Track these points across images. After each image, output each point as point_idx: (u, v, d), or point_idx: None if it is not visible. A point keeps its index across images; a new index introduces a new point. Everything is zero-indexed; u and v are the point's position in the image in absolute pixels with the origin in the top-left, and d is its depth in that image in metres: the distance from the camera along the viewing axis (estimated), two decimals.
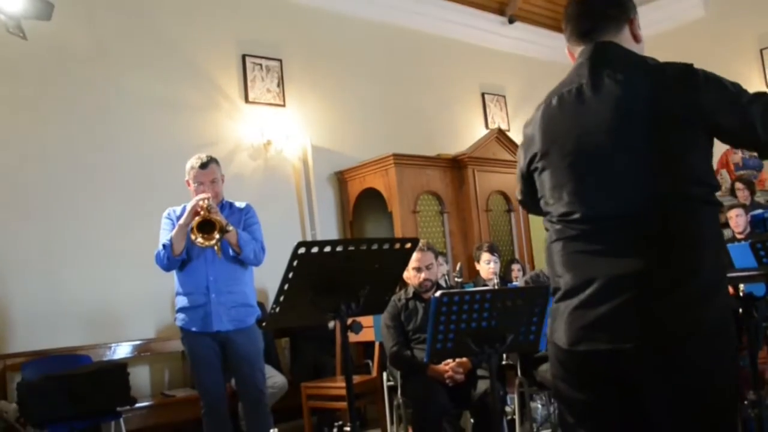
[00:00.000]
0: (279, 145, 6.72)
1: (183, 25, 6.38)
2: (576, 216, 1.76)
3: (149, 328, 5.79)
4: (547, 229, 1.87)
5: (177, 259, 3.74)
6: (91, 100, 5.73)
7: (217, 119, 6.47)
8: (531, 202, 2.01)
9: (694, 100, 1.66)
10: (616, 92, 1.72)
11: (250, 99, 6.69)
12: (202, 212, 3.61)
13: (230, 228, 3.63)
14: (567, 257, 1.78)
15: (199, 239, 3.57)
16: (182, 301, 3.84)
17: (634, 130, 1.69)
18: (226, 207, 3.93)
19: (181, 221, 3.68)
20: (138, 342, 5.65)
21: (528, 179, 1.97)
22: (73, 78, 5.67)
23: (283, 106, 6.91)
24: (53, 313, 5.29)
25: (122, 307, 5.64)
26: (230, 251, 3.74)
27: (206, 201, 3.63)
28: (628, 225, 1.69)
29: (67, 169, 5.54)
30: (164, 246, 3.73)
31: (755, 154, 6.42)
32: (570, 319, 1.74)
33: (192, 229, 3.58)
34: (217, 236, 3.57)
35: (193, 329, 3.77)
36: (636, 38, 1.89)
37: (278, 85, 6.91)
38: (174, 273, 3.87)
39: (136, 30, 6.08)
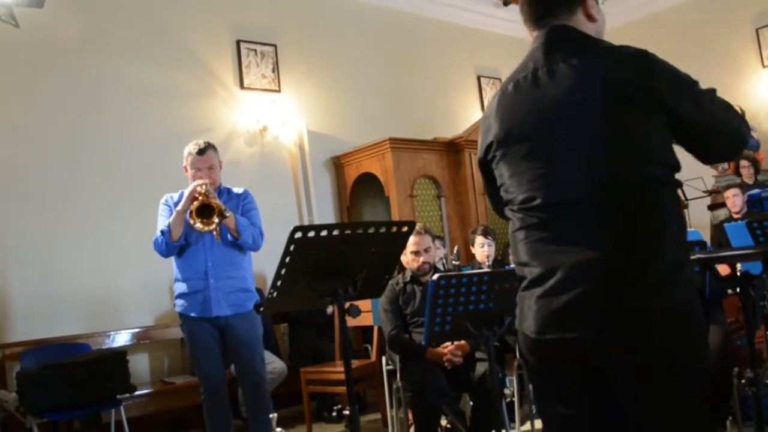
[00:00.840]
0: (275, 131, 6.71)
1: (177, 12, 6.35)
2: (536, 203, 1.74)
3: (148, 315, 5.80)
4: (509, 219, 1.86)
5: (175, 245, 3.73)
6: (85, 88, 5.70)
7: (212, 106, 6.45)
8: (492, 193, 1.99)
9: (648, 83, 1.65)
10: (570, 76, 1.71)
11: (246, 85, 6.67)
12: (200, 197, 3.59)
13: (229, 213, 3.61)
14: (530, 246, 1.76)
15: (198, 224, 3.55)
16: (181, 287, 3.83)
17: (589, 114, 1.68)
18: (224, 193, 3.91)
19: (179, 207, 3.67)
20: (137, 330, 5.66)
21: (485, 169, 1.95)
22: (66, 66, 5.64)
23: (279, 91, 6.88)
24: (52, 302, 5.30)
25: (121, 296, 5.64)
26: (229, 236, 3.72)
27: (204, 187, 3.62)
28: (587, 210, 1.68)
29: (63, 157, 5.53)
30: (162, 232, 3.72)
31: (752, 134, 6.38)
32: (536, 307, 1.73)
33: (191, 213, 3.56)
34: (216, 221, 3.55)
35: (193, 314, 3.75)
36: (590, 18, 1.83)
37: (273, 71, 6.88)
38: (173, 259, 3.86)
39: (130, 17, 6.05)
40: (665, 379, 1.63)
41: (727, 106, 1.72)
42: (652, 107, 1.66)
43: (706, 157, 1.80)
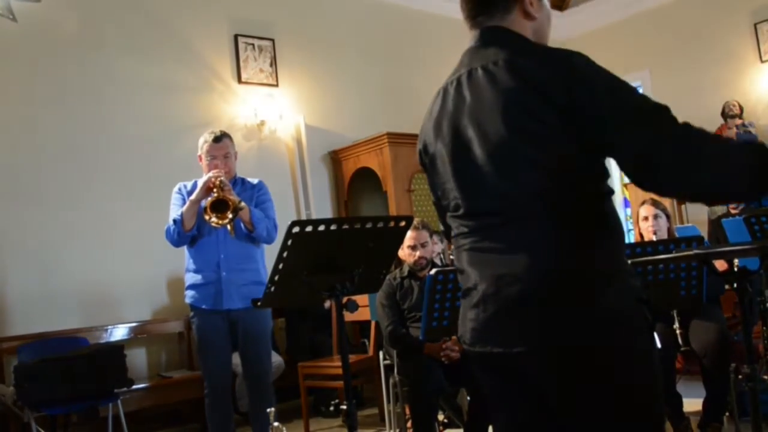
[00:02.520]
0: (272, 126, 6.70)
1: (174, 6, 6.33)
2: (461, 212, 1.71)
3: (145, 310, 5.80)
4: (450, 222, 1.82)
5: (187, 235, 3.69)
6: (82, 83, 5.69)
7: (210, 100, 6.44)
8: (434, 197, 1.92)
9: (568, 90, 1.52)
10: (487, 85, 1.63)
11: (243, 79, 6.66)
12: (214, 189, 3.54)
13: (243, 206, 3.57)
14: (465, 254, 1.72)
15: (213, 219, 3.51)
16: (192, 278, 3.78)
17: (505, 124, 1.58)
18: (239, 183, 3.87)
19: (193, 197, 3.63)
20: (134, 324, 5.66)
21: (426, 174, 1.91)
22: (63, 60, 5.63)
23: (276, 86, 6.87)
24: (49, 296, 5.30)
25: (118, 290, 5.64)
26: (243, 229, 3.68)
27: (218, 178, 3.58)
28: (510, 221, 1.61)
29: (61, 151, 5.52)
30: (174, 221, 3.67)
31: (750, 129, 6.37)
32: (469, 318, 1.70)
33: (205, 209, 3.53)
34: (231, 216, 3.50)
35: (204, 307, 3.71)
36: (528, 16, 1.73)
37: (271, 65, 6.87)
38: (185, 249, 3.82)
39: (127, 11, 6.03)
40: (596, 396, 1.56)
41: (696, 141, 1.46)
42: (573, 112, 1.52)
43: (640, 186, 1.56)
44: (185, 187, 3.85)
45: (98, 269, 5.55)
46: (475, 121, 1.65)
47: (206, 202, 3.53)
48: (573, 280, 1.55)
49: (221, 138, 3.78)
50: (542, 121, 1.55)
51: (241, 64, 6.67)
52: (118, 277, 5.62)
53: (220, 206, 3.53)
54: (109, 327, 5.50)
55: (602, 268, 1.57)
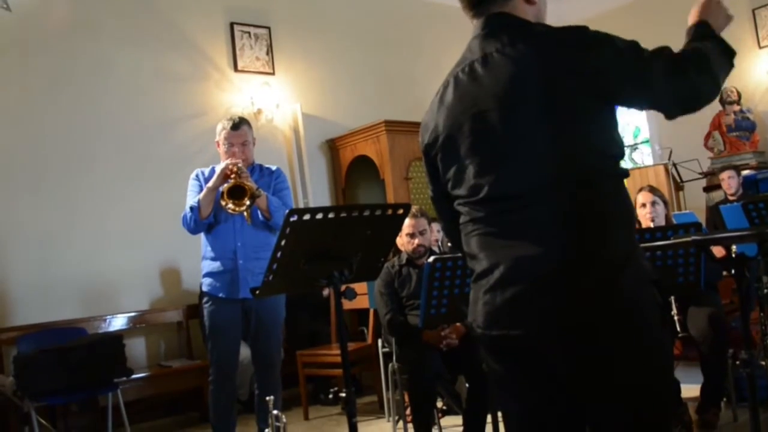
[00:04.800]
0: (269, 114, 6.69)
1: None
2: (480, 197, 1.71)
3: (143, 299, 5.80)
4: (459, 211, 1.82)
5: (204, 222, 3.64)
6: (77, 72, 5.67)
7: (206, 89, 6.42)
8: (434, 188, 1.93)
9: (583, 62, 1.58)
10: (505, 67, 1.65)
11: (239, 68, 6.64)
12: (232, 176, 3.51)
13: (261, 193, 3.55)
14: (477, 239, 1.73)
15: (230, 205, 3.47)
16: (209, 265, 3.73)
17: (526, 106, 1.62)
18: (257, 170, 3.83)
19: (210, 184, 3.58)
20: (133, 314, 5.66)
21: (430, 165, 1.90)
22: (58, 49, 5.61)
23: (273, 74, 6.85)
24: (48, 287, 5.30)
25: (116, 279, 5.64)
26: (259, 216, 3.65)
27: (236, 165, 3.54)
28: (529, 204, 1.62)
29: (57, 141, 5.51)
30: (192, 208, 3.62)
31: (748, 115, 6.40)
32: (482, 302, 1.70)
33: (222, 194, 3.49)
34: (248, 202, 3.47)
35: (221, 295, 3.67)
36: (528, 1, 1.77)
37: (267, 53, 6.85)
38: (202, 236, 3.79)
39: (123, 0, 6.01)
40: (613, 379, 1.58)
41: (677, 70, 1.59)
42: (590, 90, 1.59)
43: (666, 115, 1.68)
44: (203, 174, 3.80)
45: (96, 259, 5.54)
46: (498, 105, 1.66)
47: (223, 188, 3.50)
48: (592, 262, 1.57)
49: (239, 125, 3.74)
50: (563, 104, 1.60)
51: (237, 52, 6.64)
52: (116, 266, 5.62)
53: (237, 192, 3.49)
54: (108, 317, 5.50)
55: (620, 249, 1.60)
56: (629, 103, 1.66)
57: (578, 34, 1.63)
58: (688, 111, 1.64)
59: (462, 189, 1.76)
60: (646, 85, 1.60)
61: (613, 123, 1.66)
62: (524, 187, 1.64)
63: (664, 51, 1.62)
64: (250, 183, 3.51)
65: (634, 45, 1.62)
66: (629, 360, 1.57)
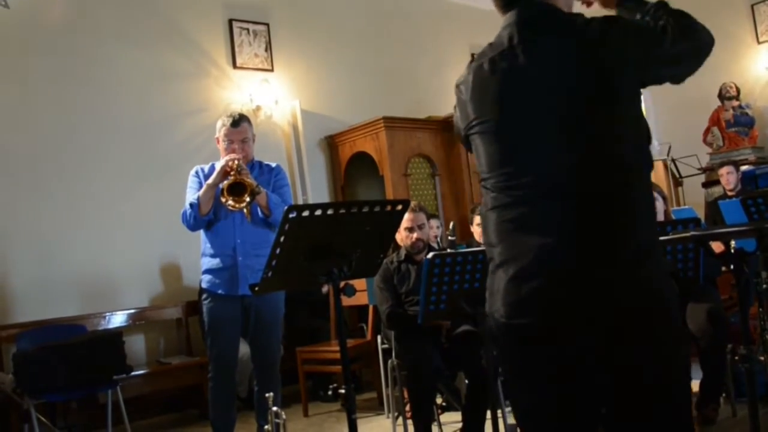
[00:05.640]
0: (268, 111, 6.68)
1: None
2: (507, 183, 1.72)
3: (143, 296, 5.80)
4: (483, 197, 1.84)
5: (204, 219, 3.64)
6: (76, 69, 5.66)
7: (205, 85, 6.41)
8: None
9: (620, 52, 1.62)
10: (542, 57, 1.68)
11: (238, 64, 6.63)
12: (232, 173, 3.51)
13: (261, 190, 3.54)
14: (501, 226, 1.73)
15: (230, 202, 3.47)
16: (209, 262, 3.73)
17: (561, 96, 1.65)
18: (256, 167, 3.82)
19: (210, 180, 3.58)
20: (133, 311, 5.66)
21: (467, 143, 1.93)
22: (57, 47, 5.59)
23: (272, 71, 6.84)
24: (47, 284, 5.29)
25: (116, 277, 5.64)
26: (259, 213, 3.64)
27: (236, 161, 3.54)
28: (556, 193, 1.64)
29: (57, 139, 5.50)
30: (191, 205, 3.62)
31: (747, 110, 6.39)
32: (504, 291, 1.70)
33: (222, 191, 3.49)
34: (248, 199, 3.47)
35: (220, 292, 3.68)
36: None
37: (266, 50, 6.84)
38: (201, 233, 3.78)
39: None
40: (636, 369, 1.60)
41: (687, 31, 1.67)
42: (626, 78, 1.63)
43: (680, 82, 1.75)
44: (202, 170, 3.80)
45: (96, 256, 5.54)
46: (531, 93, 1.69)
47: (223, 185, 3.50)
48: (617, 253, 1.59)
49: (239, 122, 3.73)
50: (598, 94, 1.62)
51: (236, 48, 6.64)
52: (116, 263, 5.62)
53: (237, 189, 3.49)
54: (108, 314, 5.50)
55: (644, 241, 1.62)
56: (656, 83, 1.72)
57: (607, 22, 1.66)
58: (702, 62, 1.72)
59: (492, 174, 1.77)
60: (675, 61, 1.66)
61: (641, 111, 1.71)
62: (552, 176, 1.65)
63: (666, 23, 1.67)
64: (250, 180, 3.51)
65: (652, 27, 1.68)
66: (655, 350, 1.60)
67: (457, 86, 1.93)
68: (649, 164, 1.72)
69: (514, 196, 1.71)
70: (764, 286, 2.81)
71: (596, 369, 1.64)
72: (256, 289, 2.48)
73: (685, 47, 1.65)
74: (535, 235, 1.65)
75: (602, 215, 1.61)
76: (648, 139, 1.70)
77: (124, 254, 5.65)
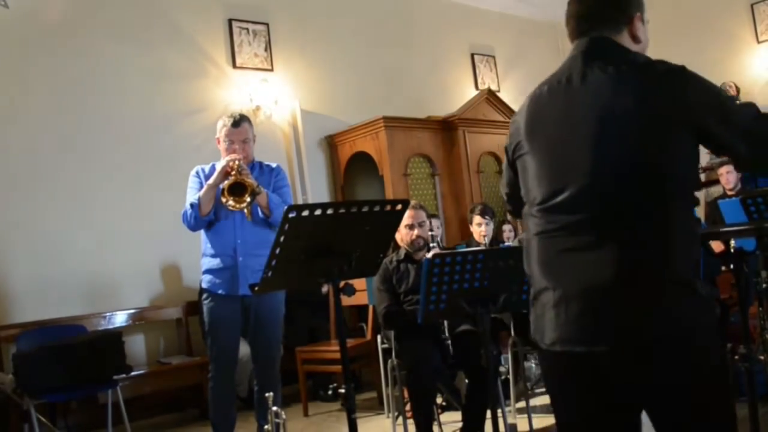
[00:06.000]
0: (268, 111, 6.68)
1: None
2: (553, 203, 1.75)
3: (143, 296, 5.80)
4: (526, 224, 1.86)
5: (204, 219, 3.64)
6: (76, 69, 5.66)
7: (204, 85, 6.41)
8: (512, 193, 2.01)
9: (682, 100, 1.65)
10: (604, 84, 1.71)
11: (238, 64, 6.62)
12: (232, 173, 3.51)
13: (261, 190, 3.55)
14: (544, 254, 1.77)
15: (230, 202, 3.48)
16: (209, 262, 3.74)
17: (617, 125, 1.67)
18: (257, 167, 3.83)
19: (210, 181, 3.59)
20: (132, 311, 5.66)
21: (513, 168, 1.96)
22: (56, 46, 5.59)
23: (271, 70, 6.84)
24: (47, 284, 5.29)
25: (116, 277, 5.64)
26: (259, 213, 3.65)
27: (236, 161, 3.54)
28: (602, 221, 1.67)
29: (55, 138, 5.50)
30: (192, 205, 3.62)
31: None
32: (547, 318, 1.75)
33: (223, 191, 3.50)
34: (248, 199, 3.47)
35: (220, 292, 3.68)
36: (635, 39, 1.84)
37: (266, 50, 6.84)
38: (202, 233, 3.78)
39: None
40: (677, 395, 1.64)
41: (763, 117, 1.69)
42: (682, 124, 1.65)
43: (745, 168, 1.80)
44: (203, 170, 3.80)
45: (96, 256, 5.54)
46: (584, 119, 1.72)
47: (224, 185, 3.50)
48: (657, 285, 1.63)
49: (240, 122, 3.73)
50: (652, 129, 1.65)
51: (236, 48, 6.63)
52: (115, 264, 5.62)
53: (237, 189, 3.50)
54: (108, 314, 5.50)
55: (682, 274, 1.64)
56: (713, 142, 1.72)
57: (679, 70, 1.69)
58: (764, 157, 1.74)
59: (536, 194, 1.80)
60: (734, 125, 1.67)
61: (695, 158, 1.72)
62: (597, 204, 1.68)
63: (751, 103, 1.73)
64: (250, 180, 3.51)
65: (727, 94, 1.74)
66: (696, 379, 1.63)
67: (515, 114, 1.97)
68: (692, 203, 1.73)
69: (557, 220, 1.74)
70: (764, 285, 2.81)
71: (633, 390, 1.68)
72: (256, 288, 2.48)
73: (753, 121, 1.67)
74: (576, 264, 1.69)
75: (644, 248, 1.64)
76: (693, 183, 1.72)
77: (123, 254, 5.65)
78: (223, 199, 3.50)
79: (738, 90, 8.16)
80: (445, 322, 3.87)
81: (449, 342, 3.79)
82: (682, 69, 1.69)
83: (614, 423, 1.74)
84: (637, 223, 1.65)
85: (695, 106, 1.65)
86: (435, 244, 4.30)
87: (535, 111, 1.85)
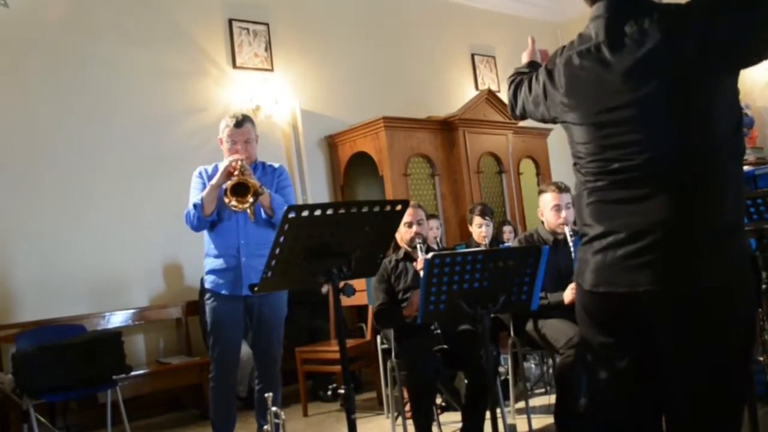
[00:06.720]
0: (268, 111, 6.68)
1: None
2: (602, 169, 1.83)
3: (143, 296, 5.80)
4: (577, 174, 1.95)
5: (207, 220, 3.65)
6: (76, 68, 5.66)
7: (205, 85, 6.41)
8: (522, 107, 2.19)
9: (711, 37, 1.66)
10: (634, 49, 1.75)
11: (238, 64, 6.62)
12: (235, 174, 3.51)
13: (264, 191, 3.55)
14: (594, 206, 1.86)
15: (233, 202, 3.48)
16: (212, 263, 3.74)
17: (655, 86, 1.73)
18: (259, 168, 3.83)
19: (213, 181, 3.59)
20: (133, 310, 5.66)
21: (547, 80, 2.03)
22: (56, 46, 5.60)
23: (271, 70, 6.84)
24: (47, 284, 5.29)
25: (115, 276, 5.63)
26: (262, 214, 3.65)
27: (239, 162, 3.55)
28: (652, 177, 1.75)
29: (56, 138, 5.50)
30: (195, 206, 3.62)
31: (746, 110, 6.37)
32: (594, 261, 1.84)
33: (226, 192, 3.50)
34: (251, 200, 3.48)
35: (223, 292, 3.68)
36: None
37: (266, 50, 6.84)
38: (205, 234, 3.78)
39: None
40: (712, 337, 1.71)
41: None
42: (721, 64, 1.68)
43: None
44: (206, 171, 3.81)
45: (95, 256, 5.54)
46: (626, 88, 1.77)
47: (227, 186, 3.51)
48: (703, 235, 1.71)
49: (243, 123, 3.73)
50: (693, 83, 1.70)
51: (236, 48, 6.63)
52: (115, 264, 5.62)
53: (240, 190, 3.50)
54: (107, 314, 5.50)
55: (730, 223, 1.73)
56: (756, 63, 1.75)
57: (700, 7, 1.70)
58: None
59: (585, 159, 1.88)
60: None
61: (736, 93, 1.77)
62: (648, 162, 1.75)
63: None
64: (253, 180, 3.52)
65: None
66: (731, 322, 1.72)
67: (548, 70, 2.02)
68: (740, 151, 1.78)
69: (605, 179, 1.83)
70: (764, 286, 2.81)
71: (670, 338, 1.76)
72: (256, 288, 2.48)
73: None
74: (626, 215, 1.78)
75: (692, 200, 1.71)
76: (739, 125, 1.76)
77: (123, 254, 5.65)
78: (226, 200, 3.51)
79: (738, 92, 8.16)
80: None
81: (438, 332, 3.74)
82: (700, 4, 1.70)
83: (648, 374, 1.83)
84: (686, 178, 1.72)
85: (728, 41, 1.66)
86: (434, 245, 4.30)
87: (571, 82, 1.91)
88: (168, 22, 6.23)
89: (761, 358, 2.98)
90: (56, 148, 5.49)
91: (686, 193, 1.72)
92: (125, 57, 5.91)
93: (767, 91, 8.34)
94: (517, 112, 2.28)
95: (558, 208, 3.96)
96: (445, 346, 3.59)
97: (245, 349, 4.06)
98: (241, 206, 3.50)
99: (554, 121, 2.06)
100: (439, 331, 3.65)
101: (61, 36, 5.63)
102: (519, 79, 2.29)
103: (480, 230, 5.52)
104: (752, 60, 1.74)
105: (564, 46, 1.99)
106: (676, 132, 1.72)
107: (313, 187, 6.97)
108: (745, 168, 7.33)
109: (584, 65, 1.85)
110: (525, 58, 2.41)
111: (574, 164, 1.95)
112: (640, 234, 1.74)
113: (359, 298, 4.84)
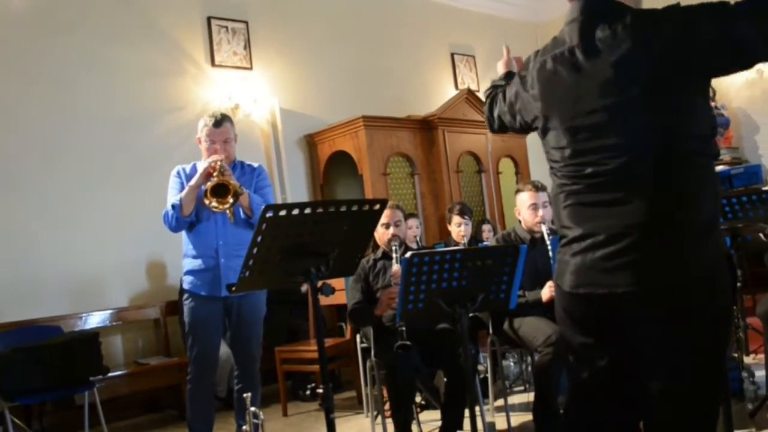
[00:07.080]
0: (247, 109, 6.65)
1: None
2: (578, 173, 1.85)
3: (122, 296, 5.75)
4: (553, 178, 1.97)
5: (186, 220, 3.62)
6: (54, 66, 5.60)
7: (183, 84, 6.37)
8: (501, 123, 2.22)
9: (683, 45, 1.68)
10: (608, 54, 1.76)
11: (217, 62, 6.59)
12: (215, 174, 3.50)
13: (244, 191, 3.53)
14: (571, 209, 1.88)
15: (214, 203, 3.46)
16: (190, 263, 3.72)
17: (629, 90, 1.74)
18: (238, 167, 3.81)
19: (192, 182, 3.57)
20: (110, 311, 5.61)
21: (513, 108, 2.10)
22: (34, 44, 5.53)
23: (250, 69, 6.81)
24: (23, 285, 5.23)
25: (93, 277, 5.58)
26: (241, 214, 3.63)
27: (218, 162, 3.52)
28: (627, 180, 1.76)
29: (31, 137, 5.43)
30: (173, 206, 3.59)
31: (722, 111, 6.43)
32: (573, 263, 1.86)
33: (206, 193, 3.48)
34: (231, 200, 3.46)
35: (202, 293, 3.66)
36: None
37: (245, 48, 6.81)
38: (183, 234, 3.75)
39: None
40: (688, 336, 1.74)
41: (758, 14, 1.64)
42: (692, 71, 1.70)
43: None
44: (184, 171, 3.78)
45: (73, 257, 5.48)
46: (600, 92, 1.78)
47: (207, 186, 3.49)
48: (677, 235, 1.73)
49: (222, 122, 3.71)
50: (667, 85, 1.71)
51: (215, 46, 6.60)
52: (93, 264, 5.57)
53: (220, 190, 3.48)
54: (84, 314, 5.45)
55: (704, 224, 1.74)
56: (729, 72, 1.78)
57: (672, 10, 1.72)
58: None
59: (561, 164, 1.90)
60: (742, 50, 1.65)
61: (708, 100, 1.79)
62: (623, 167, 1.76)
63: (740, 5, 1.66)
64: (233, 181, 3.50)
65: (720, 6, 1.67)
66: (708, 323, 1.74)
67: (521, 76, 2.05)
68: (715, 152, 1.80)
69: (581, 183, 1.84)
70: (739, 284, 2.85)
71: (648, 338, 1.78)
72: (233, 288, 2.46)
73: (750, 28, 1.62)
74: (602, 217, 1.80)
75: (666, 202, 1.73)
76: (713, 132, 1.78)
77: (100, 254, 5.60)
78: (206, 201, 3.49)
79: (714, 92, 8.24)
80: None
81: (403, 329, 3.72)
82: (674, 7, 1.73)
83: (626, 374, 1.86)
84: (660, 181, 1.74)
85: (700, 51, 1.67)
86: (414, 244, 4.30)
87: (545, 87, 1.93)
88: (146, 19, 6.19)
89: (735, 355, 3.02)
90: (32, 147, 5.43)
91: (663, 195, 1.73)
92: (102, 55, 5.86)
93: (743, 91, 8.43)
94: (495, 126, 2.29)
95: (535, 206, 3.98)
96: (408, 343, 3.55)
97: (224, 349, 4.04)
98: (221, 207, 3.48)
99: (530, 127, 2.07)
100: (404, 328, 3.62)
101: (38, 34, 5.56)
102: (494, 93, 2.30)
103: (459, 229, 5.54)
104: (720, 72, 1.76)
105: (538, 51, 1.99)
106: (651, 135, 1.73)
107: (293, 186, 6.95)
108: (721, 168, 7.42)
109: (558, 70, 1.87)
110: (501, 69, 2.40)
111: (551, 168, 1.97)
112: (617, 236, 1.76)
113: (338, 298, 4.83)
